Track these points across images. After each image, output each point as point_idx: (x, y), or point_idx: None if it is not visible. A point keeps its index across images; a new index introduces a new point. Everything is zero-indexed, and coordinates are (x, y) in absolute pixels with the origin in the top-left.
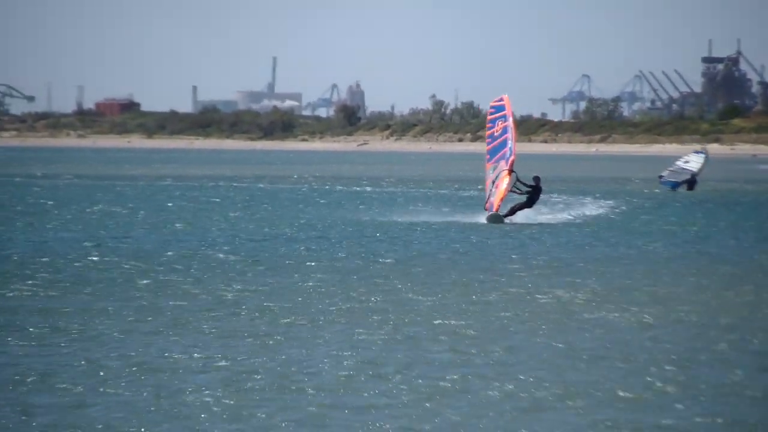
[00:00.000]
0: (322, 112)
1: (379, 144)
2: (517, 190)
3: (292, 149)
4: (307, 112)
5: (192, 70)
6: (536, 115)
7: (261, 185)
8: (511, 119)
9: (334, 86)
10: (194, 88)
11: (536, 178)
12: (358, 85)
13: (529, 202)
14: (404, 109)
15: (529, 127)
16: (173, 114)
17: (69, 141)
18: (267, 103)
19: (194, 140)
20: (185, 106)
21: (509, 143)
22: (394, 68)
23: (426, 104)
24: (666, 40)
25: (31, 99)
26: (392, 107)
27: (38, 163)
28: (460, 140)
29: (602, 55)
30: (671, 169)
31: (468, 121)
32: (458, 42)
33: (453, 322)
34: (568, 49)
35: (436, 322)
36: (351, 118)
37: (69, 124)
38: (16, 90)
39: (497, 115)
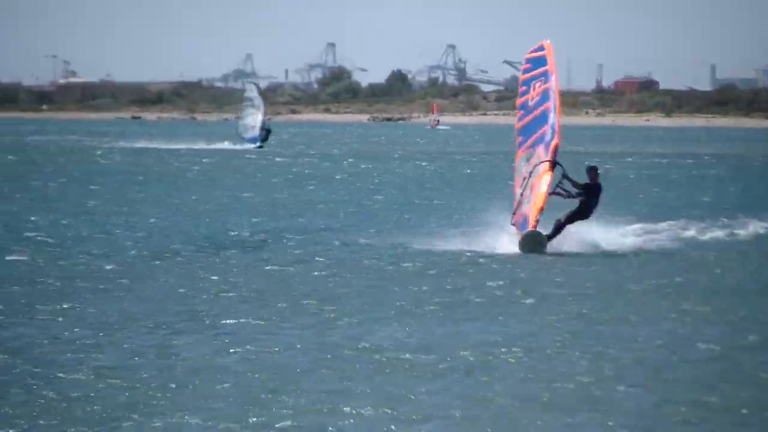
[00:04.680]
0: None
1: None
2: (563, 192)
3: None
4: None
5: (710, 47)
6: None
7: None
8: (554, 78)
9: None
10: (713, 66)
11: (592, 171)
12: None
13: (584, 210)
14: None
15: None
16: (690, 92)
17: (587, 119)
18: None
19: (711, 118)
20: (704, 84)
21: (551, 117)
22: None
23: None
24: None
25: None
26: None
27: None
28: None
29: None
30: None
31: None
32: None
33: None
34: None
35: None
36: None
37: (587, 103)
38: None
39: (535, 72)
